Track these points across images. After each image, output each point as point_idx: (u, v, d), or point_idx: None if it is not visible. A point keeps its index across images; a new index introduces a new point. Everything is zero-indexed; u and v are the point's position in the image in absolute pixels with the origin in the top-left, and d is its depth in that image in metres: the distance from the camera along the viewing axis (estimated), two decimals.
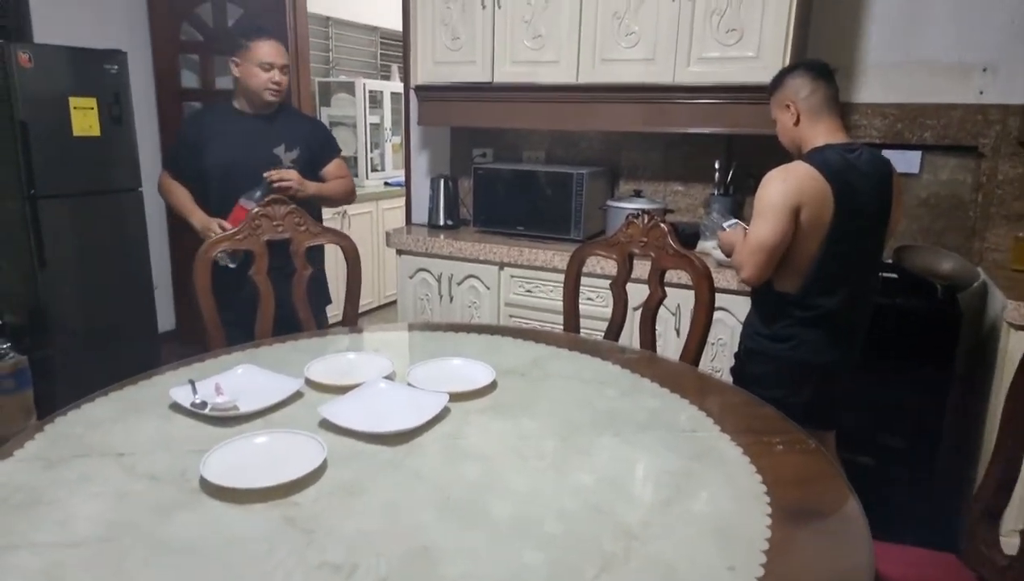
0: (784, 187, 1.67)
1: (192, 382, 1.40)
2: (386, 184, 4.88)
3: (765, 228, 1.67)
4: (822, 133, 1.76)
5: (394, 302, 2.94)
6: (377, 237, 4.50)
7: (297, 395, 1.41)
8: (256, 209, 1.92)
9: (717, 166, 2.58)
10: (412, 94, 3.26)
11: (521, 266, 2.61)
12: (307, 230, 2.00)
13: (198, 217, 2.25)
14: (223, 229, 2.05)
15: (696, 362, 1.78)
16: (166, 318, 3.84)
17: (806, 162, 1.70)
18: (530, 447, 1.22)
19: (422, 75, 2.85)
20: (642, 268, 2.05)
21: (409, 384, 1.45)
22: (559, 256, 2.52)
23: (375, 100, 4.91)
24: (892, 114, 2.49)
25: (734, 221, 2.04)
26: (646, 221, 1.86)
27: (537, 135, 3.04)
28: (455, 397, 1.38)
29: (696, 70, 2.36)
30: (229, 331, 1.93)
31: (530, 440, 1.25)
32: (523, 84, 2.65)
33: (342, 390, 1.41)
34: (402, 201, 3.41)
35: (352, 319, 2.09)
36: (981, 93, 2.38)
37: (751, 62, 2.27)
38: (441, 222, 2.99)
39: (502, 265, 2.65)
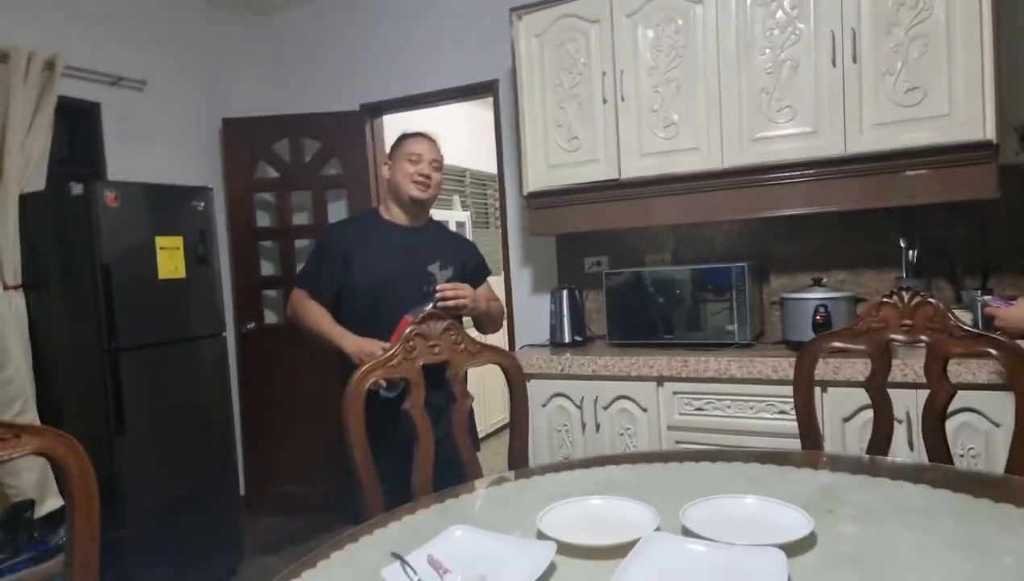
0: None
1: (401, 559, 0.98)
2: None
3: None
4: None
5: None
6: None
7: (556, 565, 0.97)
8: (411, 328, 1.56)
9: (903, 245, 2.22)
10: (510, 205, 3.05)
11: (687, 379, 2.18)
12: (466, 350, 1.62)
13: (350, 341, 1.87)
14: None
15: None
16: None
17: None
18: None
19: (534, 181, 2.60)
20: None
21: (686, 531, 1.02)
22: (736, 363, 2.10)
23: None
24: None
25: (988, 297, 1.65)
26: (906, 298, 1.47)
27: (661, 236, 2.73)
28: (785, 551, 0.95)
29: (872, 137, 2.07)
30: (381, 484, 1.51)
31: None
32: (656, 177, 2.38)
33: (615, 552, 0.97)
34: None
35: (521, 459, 1.65)
36: None
37: (941, 121, 1.98)
38: (567, 339, 2.61)
39: (661, 379, 2.23)
